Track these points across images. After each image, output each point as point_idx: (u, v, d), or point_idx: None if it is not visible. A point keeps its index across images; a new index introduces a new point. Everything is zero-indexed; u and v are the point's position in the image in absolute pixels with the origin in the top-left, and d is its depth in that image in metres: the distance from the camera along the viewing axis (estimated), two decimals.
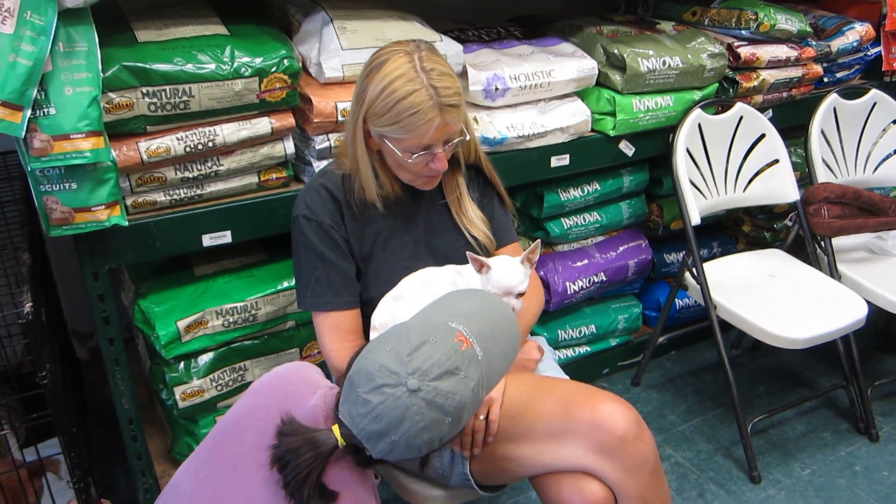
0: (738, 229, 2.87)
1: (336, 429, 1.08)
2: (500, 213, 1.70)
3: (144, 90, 1.49)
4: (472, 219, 1.60)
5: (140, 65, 1.48)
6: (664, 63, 2.17)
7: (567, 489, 1.29)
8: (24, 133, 1.36)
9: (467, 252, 1.45)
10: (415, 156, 1.41)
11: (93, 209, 1.47)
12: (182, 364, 1.80)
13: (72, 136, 1.38)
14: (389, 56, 1.39)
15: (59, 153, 1.38)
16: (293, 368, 1.26)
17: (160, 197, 1.63)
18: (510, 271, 1.44)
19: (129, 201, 1.60)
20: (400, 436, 1.02)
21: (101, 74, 1.42)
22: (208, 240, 1.70)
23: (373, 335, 1.51)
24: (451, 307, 1.18)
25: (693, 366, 2.70)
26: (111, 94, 1.47)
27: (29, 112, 1.35)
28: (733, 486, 2.15)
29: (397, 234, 1.55)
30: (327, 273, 1.50)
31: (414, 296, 1.45)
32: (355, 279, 1.53)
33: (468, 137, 1.47)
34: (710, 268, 2.30)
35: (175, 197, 1.64)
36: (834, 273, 2.35)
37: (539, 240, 1.54)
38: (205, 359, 1.82)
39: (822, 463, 2.24)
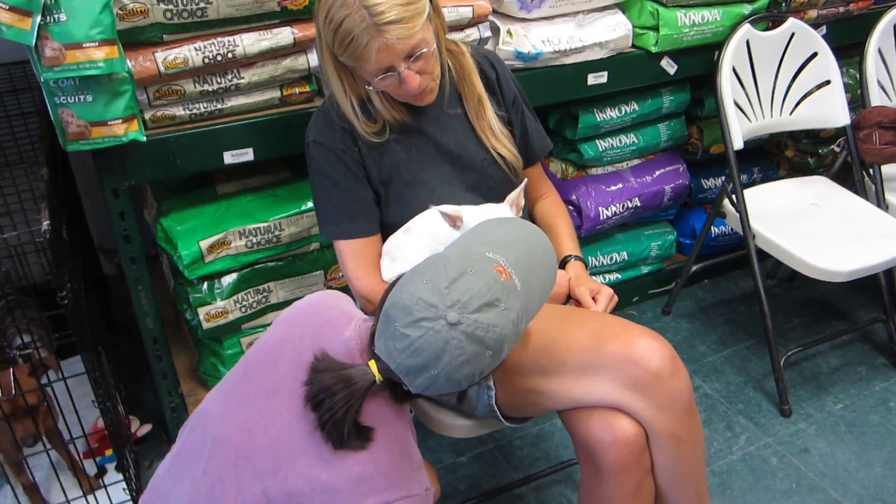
0: (780, 154, 2.74)
1: (373, 364, 1.04)
2: (532, 122, 1.61)
3: None
4: (498, 134, 1.51)
5: None
6: None
7: (597, 425, 1.25)
8: (34, 40, 1.29)
9: (437, 208, 1.37)
10: (377, 79, 1.32)
11: (109, 123, 1.41)
12: (206, 284, 1.77)
13: (84, 45, 1.31)
14: None
15: (72, 63, 1.32)
16: (326, 297, 1.21)
17: (179, 111, 1.56)
18: (488, 215, 1.35)
19: (147, 115, 1.54)
20: (440, 370, 0.98)
21: None
22: (230, 157, 1.64)
23: (383, 262, 1.46)
24: (486, 236, 1.12)
25: (726, 295, 2.63)
26: (124, 0, 1.38)
27: (39, 18, 1.28)
28: (762, 418, 2.11)
29: (416, 155, 1.47)
30: (342, 199, 1.44)
31: (424, 229, 1.40)
32: (374, 205, 1.47)
33: (433, 49, 1.34)
34: (750, 195, 2.20)
35: (195, 111, 1.57)
36: (881, 202, 2.24)
37: (526, 180, 1.44)
38: (228, 280, 1.78)
39: (855, 398, 2.18)
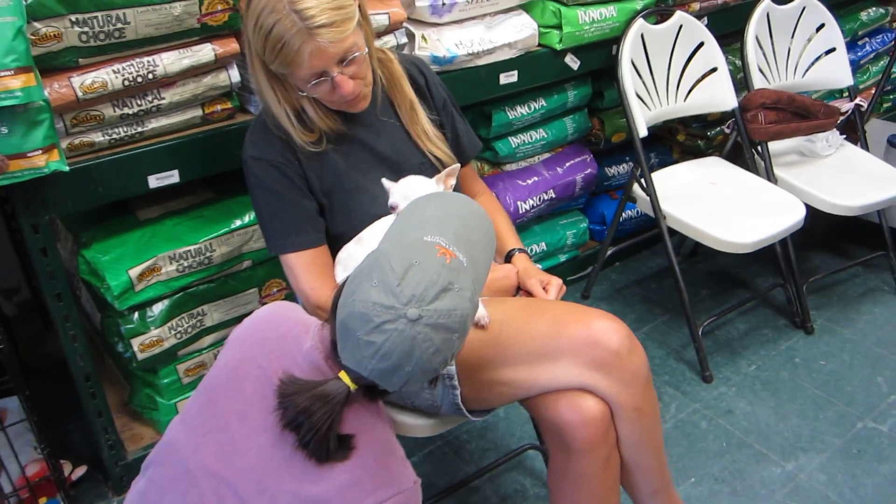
0: (672, 139, 2.90)
1: (344, 375, 1.04)
2: (462, 124, 1.65)
3: (73, 18, 1.34)
4: (432, 137, 1.54)
5: None
6: None
7: (564, 407, 1.30)
8: None
9: (382, 179, 1.40)
10: (310, 85, 1.33)
11: (29, 155, 1.34)
12: (136, 314, 1.70)
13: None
14: None
15: None
16: (276, 310, 1.19)
17: (98, 137, 1.50)
18: (415, 185, 1.40)
19: (63, 143, 1.46)
20: (413, 366, 0.99)
21: (24, 1, 1.26)
22: (154, 181, 1.59)
23: (337, 270, 1.46)
24: (418, 218, 1.11)
25: (638, 275, 2.76)
26: (36, 24, 1.32)
27: None
28: (688, 386, 2.24)
29: (355, 163, 1.48)
30: (287, 212, 1.43)
31: (376, 238, 1.41)
32: (318, 215, 1.46)
33: (365, 52, 1.35)
34: (654, 179, 2.32)
35: (114, 136, 1.52)
36: (771, 177, 2.42)
37: (458, 164, 1.48)
38: (160, 307, 1.72)
39: (765, 358, 2.35)
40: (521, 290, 1.54)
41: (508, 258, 1.59)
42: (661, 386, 2.24)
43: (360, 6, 1.36)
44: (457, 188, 1.58)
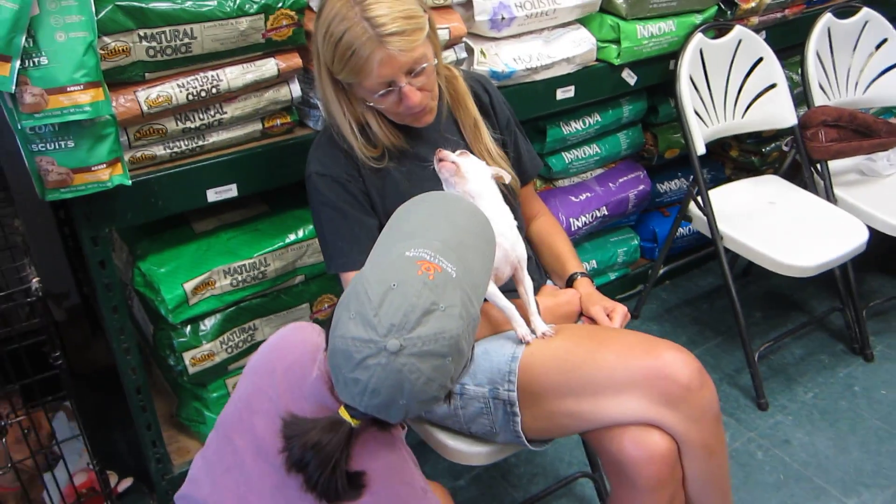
0: (725, 155, 2.84)
1: (343, 411, 0.97)
2: (524, 143, 1.62)
3: (142, 33, 1.33)
4: (495, 156, 1.51)
5: (136, 3, 1.32)
6: None
7: (630, 442, 1.25)
8: (13, 87, 1.20)
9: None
10: (377, 96, 1.31)
11: (93, 169, 1.33)
12: (189, 328, 1.69)
13: (69, 89, 1.23)
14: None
15: (56, 108, 1.23)
16: (288, 335, 1.13)
17: (160, 150, 1.49)
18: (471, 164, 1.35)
19: (126, 156, 1.45)
20: (407, 398, 0.91)
21: (95, 17, 1.25)
22: (213, 195, 1.57)
23: None
24: (401, 230, 1.05)
25: (688, 295, 2.70)
26: (106, 39, 1.31)
27: (17, 63, 1.19)
28: (742, 414, 2.17)
29: (418, 182, 1.44)
30: (352, 229, 1.40)
31: None
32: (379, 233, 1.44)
33: (434, 63, 1.33)
34: (710, 197, 2.27)
35: (175, 149, 1.50)
36: (831, 197, 2.35)
37: (503, 170, 1.41)
38: (212, 321, 1.71)
39: (823, 386, 2.28)
40: (583, 316, 1.50)
41: (570, 282, 1.54)
42: None
43: (429, 19, 1.34)
44: (515, 208, 1.55)
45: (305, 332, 1.11)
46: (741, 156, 2.80)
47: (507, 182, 1.39)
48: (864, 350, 2.38)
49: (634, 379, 1.25)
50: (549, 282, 1.62)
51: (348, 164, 1.40)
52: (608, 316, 1.45)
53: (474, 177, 1.33)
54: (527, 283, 1.39)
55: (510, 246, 1.34)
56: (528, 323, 1.38)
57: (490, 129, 1.52)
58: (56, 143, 1.29)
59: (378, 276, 0.94)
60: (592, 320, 1.47)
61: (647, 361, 1.26)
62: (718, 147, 2.84)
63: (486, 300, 1.38)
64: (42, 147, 1.29)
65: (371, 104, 1.35)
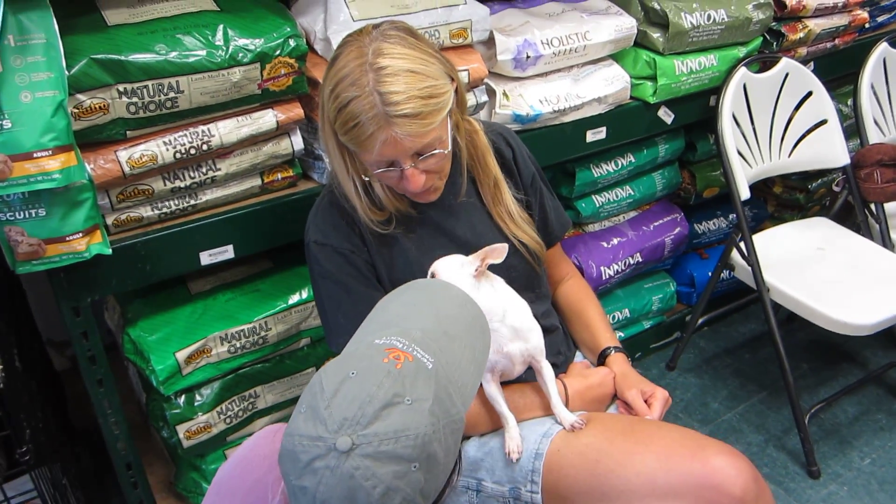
0: (768, 191, 2.65)
1: None
2: (550, 201, 1.45)
3: (121, 88, 1.20)
4: (517, 219, 1.35)
5: (113, 56, 1.18)
6: (709, 17, 1.91)
7: None
8: None
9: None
10: (377, 171, 1.15)
11: (68, 239, 1.20)
12: (183, 398, 1.55)
13: (35, 155, 1.10)
14: (344, 48, 1.13)
15: (21, 176, 1.10)
16: (257, 447, 0.99)
17: (147, 212, 1.35)
18: (442, 267, 1.17)
19: (109, 220, 1.33)
20: None
21: (66, 72, 1.12)
22: (207, 257, 1.43)
23: None
24: (378, 321, 0.91)
25: (728, 343, 2.51)
26: (80, 97, 1.18)
27: None
28: (791, 482, 1.98)
29: (429, 251, 1.28)
30: (354, 306, 1.24)
31: None
32: None
33: (447, 151, 1.17)
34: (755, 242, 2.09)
35: (165, 210, 1.37)
36: (888, 243, 2.15)
37: (506, 244, 1.16)
38: (209, 390, 1.57)
39: (881, 450, 2.07)
40: (617, 399, 1.33)
41: (603, 358, 1.37)
42: None
43: (457, 89, 1.18)
44: (539, 275, 1.39)
45: (278, 440, 0.94)
46: (785, 192, 2.61)
47: (497, 261, 1.17)
48: None
49: (678, 487, 1.09)
50: (578, 355, 1.46)
51: (351, 233, 1.25)
52: (646, 402, 1.27)
53: (455, 277, 1.15)
54: (546, 372, 1.23)
55: (523, 343, 1.20)
56: (552, 413, 1.23)
57: (513, 188, 1.36)
58: (25, 212, 1.16)
59: (337, 365, 0.80)
60: (628, 406, 1.29)
61: (693, 467, 1.09)
62: (761, 183, 2.63)
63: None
64: (10, 216, 1.16)
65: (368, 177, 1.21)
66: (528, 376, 1.27)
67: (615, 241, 2.15)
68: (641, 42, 1.91)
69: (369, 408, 0.75)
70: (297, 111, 1.40)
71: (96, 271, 1.32)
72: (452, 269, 1.16)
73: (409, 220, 1.28)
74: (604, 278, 2.10)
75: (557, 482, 1.16)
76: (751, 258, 2.00)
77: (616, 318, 2.24)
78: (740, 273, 2.07)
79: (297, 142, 1.44)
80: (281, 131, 1.41)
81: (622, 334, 2.30)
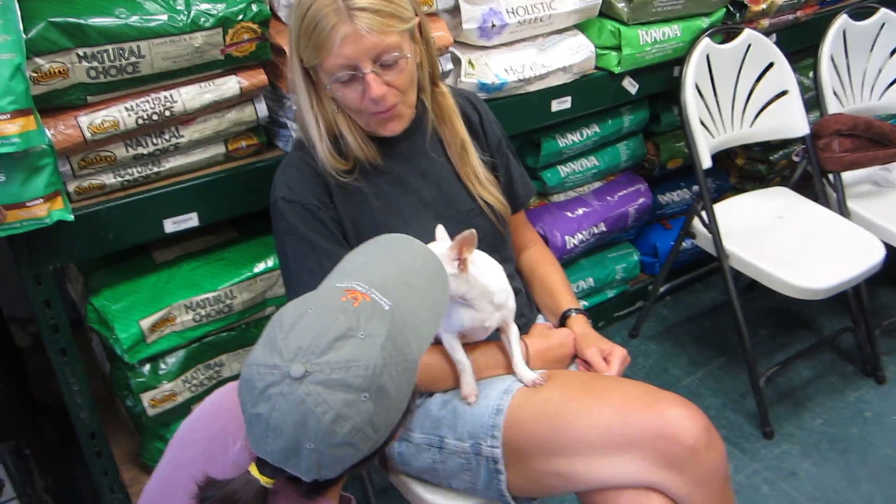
0: (730, 162, 2.69)
1: (253, 467, 0.83)
2: (516, 167, 1.47)
3: (81, 52, 1.18)
4: (483, 181, 1.36)
5: (72, 20, 1.16)
6: None
7: None
8: None
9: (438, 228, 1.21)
10: (335, 80, 1.15)
11: (28, 205, 1.18)
12: (148, 366, 1.55)
13: None
14: None
15: None
16: (219, 400, 1.01)
17: (109, 179, 1.34)
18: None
19: (70, 187, 1.31)
20: (314, 441, 0.77)
21: (24, 36, 1.10)
22: (171, 225, 1.43)
23: None
24: (340, 269, 0.95)
25: (690, 311, 2.56)
26: (39, 60, 1.16)
27: None
28: (746, 443, 2.04)
29: (396, 208, 1.30)
30: (320, 262, 1.24)
31: None
32: None
33: (410, 56, 1.18)
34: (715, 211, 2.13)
35: (128, 178, 1.36)
36: (844, 211, 2.21)
37: (474, 231, 1.13)
38: (174, 358, 1.57)
39: (832, 411, 2.15)
40: (577, 358, 1.36)
41: (564, 320, 1.40)
42: None
43: (421, 24, 1.20)
44: (505, 237, 1.40)
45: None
46: (747, 164, 2.65)
47: (471, 251, 1.18)
48: (875, 372, 2.25)
49: (633, 438, 1.12)
50: (540, 318, 1.48)
51: (319, 189, 1.25)
52: (605, 360, 1.31)
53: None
54: (512, 332, 1.25)
55: (504, 301, 1.22)
56: (513, 372, 1.25)
57: (479, 150, 1.38)
58: None
59: (297, 303, 0.83)
60: (587, 364, 1.33)
61: (648, 418, 1.12)
62: (724, 155, 2.69)
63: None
64: None
65: (333, 96, 1.20)
66: (491, 336, 1.30)
67: (580, 210, 2.18)
68: (606, 12, 1.92)
69: (323, 339, 0.78)
70: (260, 77, 1.39)
71: (58, 238, 1.31)
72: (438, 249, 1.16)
73: (375, 172, 1.28)
74: (568, 247, 2.12)
75: (517, 437, 1.18)
76: (712, 226, 2.04)
77: (580, 288, 2.28)
78: (701, 241, 2.12)
79: (262, 109, 1.43)
80: (245, 98, 1.40)
81: (586, 303, 2.34)
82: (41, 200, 1.19)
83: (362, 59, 1.13)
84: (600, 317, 2.42)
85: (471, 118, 1.39)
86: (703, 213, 2.06)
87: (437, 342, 1.27)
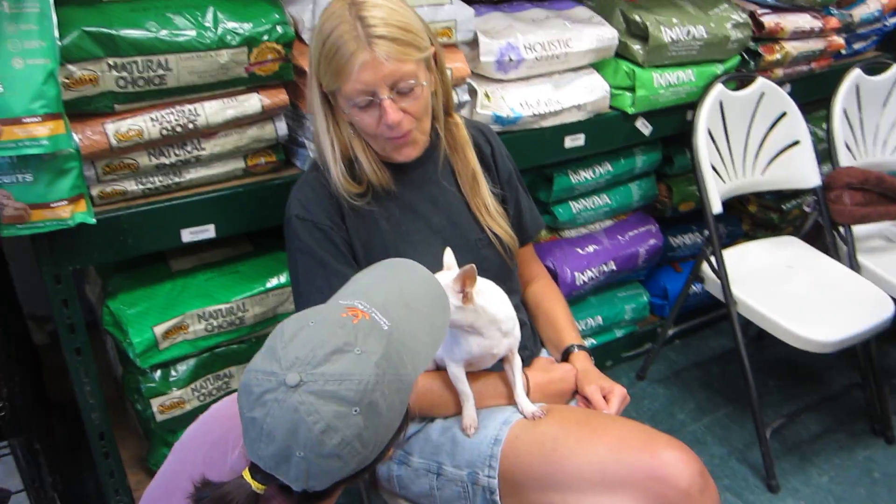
0: (743, 209, 2.72)
1: (246, 473, 0.86)
2: (526, 200, 1.50)
3: (111, 62, 1.25)
4: (493, 212, 1.39)
5: (105, 30, 1.23)
6: (688, 33, 1.98)
7: None
8: None
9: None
10: (353, 105, 1.20)
11: (53, 206, 1.24)
12: (159, 373, 1.59)
13: (24, 120, 1.14)
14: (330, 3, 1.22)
15: (10, 140, 1.14)
16: (221, 409, 1.04)
17: (132, 186, 1.40)
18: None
19: (94, 191, 1.37)
20: (304, 449, 0.79)
21: (58, 42, 1.17)
22: (188, 235, 1.48)
23: None
24: (345, 290, 0.98)
25: (699, 357, 2.56)
26: (71, 67, 1.23)
27: None
28: (750, 495, 2.02)
29: (405, 234, 1.34)
30: (329, 281, 1.28)
31: None
32: None
33: (426, 84, 1.22)
34: (724, 257, 2.14)
35: (149, 186, 1.41)
36: (854, 264, 2.21)
37: (473, 266, 1.15)
38: (185, 366, 1.61)
39: (839, 468, 2.12)
40: (577, 395, 1.37)
41: (566, 356, 1.42)
42: (721, 491, 2.01)
43: (436, 54, 1.26)
44: (511, 269, 1.43)
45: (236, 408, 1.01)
46: (760, 212, 2.68)
47: (473, 285, 1.20)
48: (885, 431, 2.22)
49: (627, 477, 1.12)
50: (543, 352, 1.50)
51: (332, 210, 1.30)
52: (605, 398, 1.32)
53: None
54: (516, 362, 1.28)
55: (511, 329, 1.25)
56: (514, 402, 1.27)
57: (490, 182, 1.42)
58: (13, 177, 1.20)
59: (300, 315, 0.87)
60: (587, 400, 1.34)
61: (642, 459, 1.13)
62: (736, 201, 2.72)
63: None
64: None
65: (350, 121, 1.25)
66: (494, 367, 1.32)
67: (590, 248, 2.20)
68: (623, 53, 1.97)
69: (320, 351, 0.80)
70: (282, 97, 1.45)
71: (79, 241, 1.36)
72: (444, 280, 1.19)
73: (388, 197, 1.32)
74: (577, 283, 2.15)
75: (514, 468, 1.19)
76: (720, 271, 2.05)
77: (588, 325, 2.29)
78: (710, 286, 2.13)
79: (282, 127, 1.49)
80: (265, 116, 1.46)
81: (594, 341, 2.34)
82: (65, 202, 1.25)
83: (380, 85, 1.18)
84: (608, 356, 2.43)
85: (483, 150, 1.43)
86: (713, 258, 2.08)
87: (441, 368, 1.29)
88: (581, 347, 1.41)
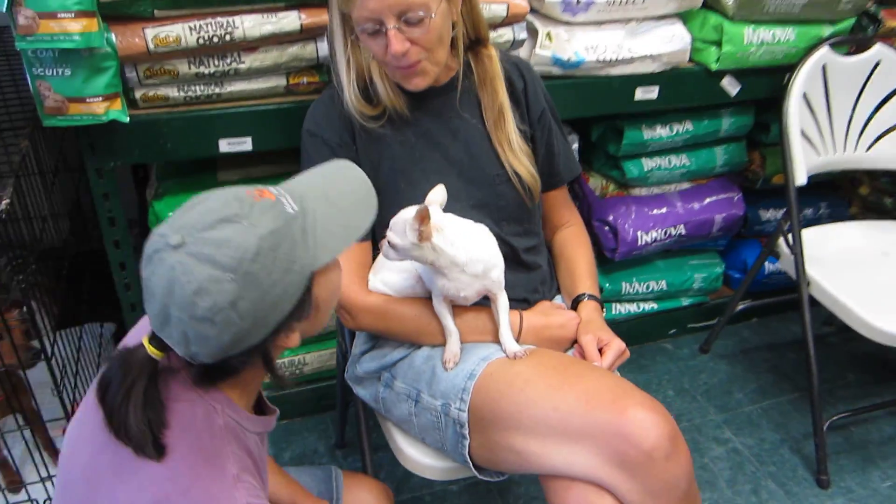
0: (853, 191, 2.48)
1: (145, 339, 0.86)
2: (561, 143, 1.44)
3: None
4: (516, 149, 1.34)
5: None
6: None
7: (574, 499, 1.09)
8: (6, 6, 1.19)
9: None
10: (362, 31, 1.16)
11: (88, 101, 1.31)
12: None
13: (59, 15, 1.21)
14: None
15: (45, 33, 1.22)
16: None
17: (173, 92, 1.45)
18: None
19: (137, 94, 1.44)
20: (179, 309, 0.79)
21: None
22: (226, 145, 1.52)
23: (370, 277, 1.33)
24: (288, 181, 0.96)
25: (775, 339, 2.39)
26: None
27: None
28: (795, 486, 1.89)
29: (418, 161, 1.31)
30: None
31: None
32: None
33: (434, 15, 1.16)
34: (810, 235, 1.98)
35: (190, 94, 1.46)
36: None
37: (427, 207, 1.11)
38: None
39: None
40: (576, 344, 1.32)
41: (576, 304, 1.36)
42: (763, 478, 1.90)
43: None
44: (531, 210, 1.38)
45: None
46: (871, 195, 2.43)
47: (439, 201, 1.18)
48: None
49: (590, 430, 1.08)
50: (558, 297, 1.45)
51: (342, 128, 1.30)
52: (600, 349, 1.26)
53: (405, 233, 1.14)
54: (500, 302, 1.24)
55: (480, 272, 1.19)
56: (497, 341, 1.24)
57: (518, 118, 1.36)
58: (54, 70, 1.28)
59: (211, 191, 0.87)
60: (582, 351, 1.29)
61: (608, 414, 1.07)
62: (847, 182, 2.48)
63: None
64: (41, 72, 1.28)
65: (361, 43, 1.23)
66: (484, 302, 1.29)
67: (660, 209, 2.09)
68: (712, 4, 1.82)
69: (209, 217, 0.81)
70: (323, 17, 1.45)
71: (121, 139, 1.44)
72: (402, 219, 1.16)
73: (404, 123, 1.31)
74: (639, 243, 2.05)
75: (483, 404, 1.17)
76: (795, 248, 1.90)
77: (650, 289, 2.19)
78: (784, 262, 1.97)
79: (323, 48, 1.49)
80: (306, 35, 1.46)
81: (655, 305, 2.24)
82: (100, 98, 1.32)
83: (386, 14, 1.14)
84: (671, 324, 2.32)
85: (515, 85, 1.37)
86: (790, 235, 1.92)
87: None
88: (592, 297, 1.35)
